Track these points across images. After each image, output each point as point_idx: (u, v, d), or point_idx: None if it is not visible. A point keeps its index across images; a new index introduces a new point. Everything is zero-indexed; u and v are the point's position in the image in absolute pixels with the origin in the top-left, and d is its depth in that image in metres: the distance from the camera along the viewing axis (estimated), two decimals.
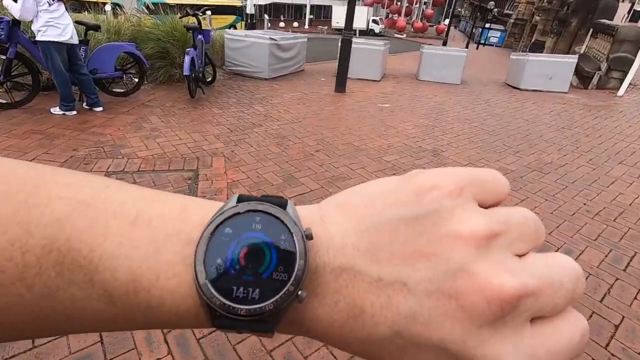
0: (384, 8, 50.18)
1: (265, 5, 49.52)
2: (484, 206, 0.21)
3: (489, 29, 42.95)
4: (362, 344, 0.20)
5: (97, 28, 5.01)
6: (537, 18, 26.15)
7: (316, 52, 13.80)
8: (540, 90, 8.61)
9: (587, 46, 11.52)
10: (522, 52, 23.35)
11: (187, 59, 5.01)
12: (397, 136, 4.92)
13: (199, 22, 5.74)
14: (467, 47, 25.54)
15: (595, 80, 8.81)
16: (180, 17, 6.16)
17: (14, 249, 0.18)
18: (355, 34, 30.46)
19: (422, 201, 0.20)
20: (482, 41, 39.48)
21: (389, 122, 5.47)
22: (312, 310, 0.20)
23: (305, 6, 47.39)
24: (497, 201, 0.22)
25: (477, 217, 0.20)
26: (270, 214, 0.21)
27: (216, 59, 7.92)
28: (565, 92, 8.50)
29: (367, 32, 42.35)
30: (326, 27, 41.94)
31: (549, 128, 5.95)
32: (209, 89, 6.39)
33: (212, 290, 0.19)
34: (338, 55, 6.86)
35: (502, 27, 46.75)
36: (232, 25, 31.13)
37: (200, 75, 5.74)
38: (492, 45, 44.36)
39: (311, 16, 44.25)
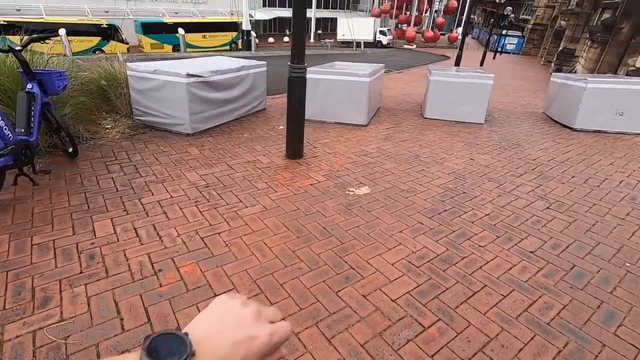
0: (392, 18, 47.80)
1: (269, 20, 47.92)
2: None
3: (506, 35, 39.83)
4: None
5: None
6: (562, 23, 23.10)
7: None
8: (606, 132, 5.81)
9: None
10: (554, 64, 20.15)
11: None
12: (366, 307, 2.23)
13: (25, 63, 3.23)
14: (483, 58, 22.70)
15: None
16: (8, 51, 3.47)
17: None
18: (355, 46, 27.92)
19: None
20: (499, 49, 36.41)
21: (358, 247, 2.78)
22: None
23: (311, 19, 45.43)
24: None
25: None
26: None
27: (123, 105, 5.45)
28: None
29: (374, 44, 39.99)
30: (332, 40, 39.84)
31: None
32: (64, 166, 3.87)
33: None
34: (286, 101, 4.20)
35: (519, 33, 43.55)
36: (233, 43, 29.18)
37: (27, 153, 3.23)
38: (509, 53, 41.23)
39: (319, 31, 42.15)
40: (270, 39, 41.05)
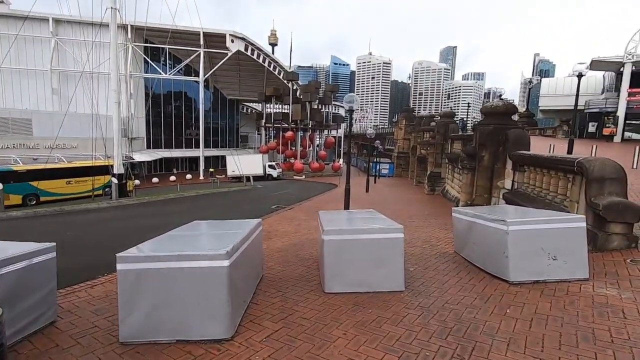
0: (279, 153, 51.87)
1: (154, 160, 46.55)
2: None
3: (380, 162, 45.90)
4: None
5: None
6: (422, 152, 27.21)
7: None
8: (546, 281, 4.57)
9: (514, 181, 9.42)
10: (427, 186, 22.51)
11: None
12: None
13: None
14: (367, 183, 24.50)
15: (600, 241, 5.64)
16: None
17: None
18: (245, 181, 27.64)
19: None
20: (377, 174, 41.08)
21: None
22: None
23: (198, 158, 45.66)
24: None
25: None
26: None
27: None
28: (587, 279, 4.60)
29: (265, 177, 41.27)
30: (222, 176, 39.77)
31: None
32: None
33: None
34: None
35: (389, 160, 50.92)
36: (107, 187, 25.89)
37: None
38: (385, 176, 46.83)
39: (211, 169, 41.71)
40: (155, 179, 38.89)
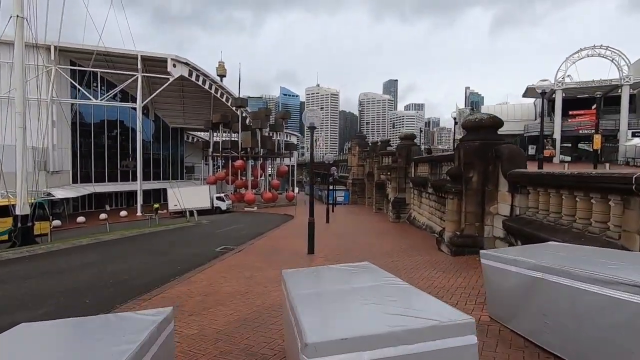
0: (229, 184, 48.21)
1: (84, 196, 40.62)
2: None
3: (335, 190, 44.41)
4: None
5: None
6: (382, 177, 25.94)
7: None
8: None
9: (513, 205, 7.87)
10: (392, 212, 19.33)
11: None
12: None
13: None
14: (327, 214, 21.80)
15: None
16: None
17: None
18: (189, 215, 24.09)
19: None
20: (333, 202, 39.35)
21: None
22: None
23: (135, 193, 40.62)
24: None
25: None
26: None
27: None
28: None
29: (213, 211, 37.57)
30: (165, 211, 35.36)
31: None
32: None
33: None
34: None
35: (344, 187, 49.64)
36: (11, 232, 20.81)
37: None
38: (340, 204, 45.29)
39: (156, 205, 36.61)
40: (81, 218, 33.38)
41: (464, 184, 8.79)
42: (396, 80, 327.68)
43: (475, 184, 8.59)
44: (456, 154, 9.32)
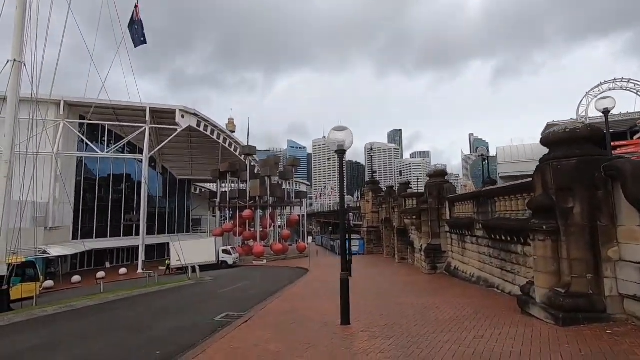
0: (236, 236, 45.28)
1: (82, 253, 38.11)
2: None
3: (349, 239, 41.33)
4: None
5: None
6: (406, 222, 23.29)
7: None
8: None
9: None
10: (427, 263, 13.60)
11: None
12: None
13: None
14: (350, 266, 18.25)
15: None
16: None
17: None
18: (190, 272, 21.08)
19: None
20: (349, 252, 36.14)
21: None
22: None
23: (137, 248, 38.03)
24: None
25: None
26: None
27: None
28: None
29: (219, 265, 34.60)
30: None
31: None
32: None
33: None
34: None
35: (358, 236, 46.48)
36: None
37: None
38: (355, 254, 41.91)
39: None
40: (76, 278, 30.56)
41: (560, 219, 6.29)
42: (400, 130, 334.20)
43: (579, 218, 6.09)
44: (538, 178, 6.92)
